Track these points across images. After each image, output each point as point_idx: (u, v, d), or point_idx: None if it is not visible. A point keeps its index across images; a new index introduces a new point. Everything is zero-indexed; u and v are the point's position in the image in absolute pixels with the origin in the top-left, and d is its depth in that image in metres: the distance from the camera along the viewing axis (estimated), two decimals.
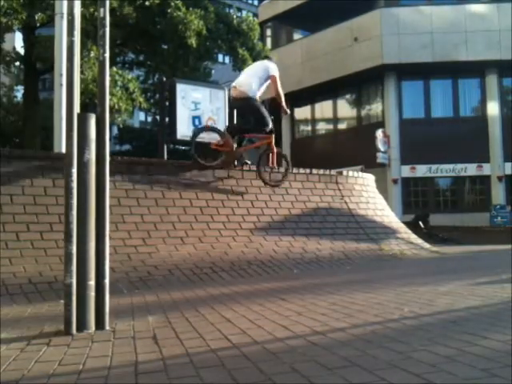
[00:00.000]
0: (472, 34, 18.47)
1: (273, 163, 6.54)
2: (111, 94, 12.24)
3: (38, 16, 11.54)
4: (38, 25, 12.46)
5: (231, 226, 6.03)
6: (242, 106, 6.44)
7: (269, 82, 6.37)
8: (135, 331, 2.62)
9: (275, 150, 6.56)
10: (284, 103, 6.47)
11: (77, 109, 2.80)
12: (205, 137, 6.91)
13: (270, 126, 6.30)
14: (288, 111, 6.60)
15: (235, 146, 6.34)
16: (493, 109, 19.02)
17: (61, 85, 6.36)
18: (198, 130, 6.54)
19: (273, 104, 6.61)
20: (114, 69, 14.28)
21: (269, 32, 24.36)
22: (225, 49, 15.70)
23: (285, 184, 6.72)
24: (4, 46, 15.17)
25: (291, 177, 6.88)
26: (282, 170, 6.74)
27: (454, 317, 2.64)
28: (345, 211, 7.19)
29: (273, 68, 6.40)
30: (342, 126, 22.07)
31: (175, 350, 2.20)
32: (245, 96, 6.23)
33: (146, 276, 4.75)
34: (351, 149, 19.38)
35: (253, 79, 6.30)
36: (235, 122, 7.79)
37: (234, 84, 6.41)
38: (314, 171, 7.26)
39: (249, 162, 6.66)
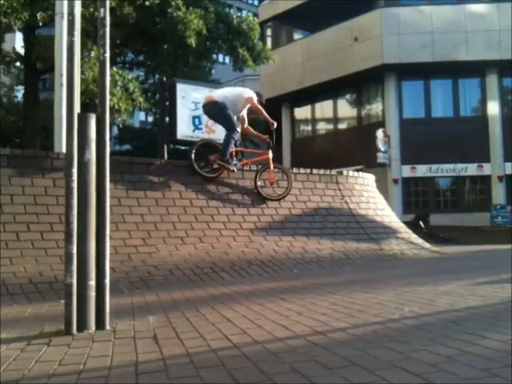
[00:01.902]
0: (472, 34, 18.47)
1: (272, 180, 6.60)
2: (111, 93, 12.23)
3: (40, 15, 11.50)
4: (40, 24, 12.42)
5: (231, 225, 6.03)
6: (209, 110, 6.50)
7: (245, 102, 6.45)
8: (135, 331, 2.62)
9: (272, 166, 6.61)
10: (268, 118, 6.56)
11: (77, 109, 2.80)
12: (205, 137, 6.91)
13: (238, 129, 6.35)
14: (275, 124, 6.63)
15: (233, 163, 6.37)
16: (493, 109, 19.02)
17: (61, 85, 6.37)
18: (198, 145, 6.52)
19: (268, 128, 6.66)
20: (114, 69, 14.27)
21: (269, 32, 24.36)
22: (225, 49, 15.67)
23: (285, 184, 6.72)
24: (4, 46, 15.17)
25: (291, 177, 6.88)
26: (284, 184, 6.70)
27: (454, 317, 2.64)
28: (345, 211, 7.19)
29: (248, 91, 6.61)
30: (342, 125, 22.07)
31: (175, 349, 2.21)
32: (211, 100, 6.39)
33: (146, 276, 4.75)
34: (351, 149, 19.38)
35: (224, 90, 6.63)
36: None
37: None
38: (315, 171, 7.26)
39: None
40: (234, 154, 6.42)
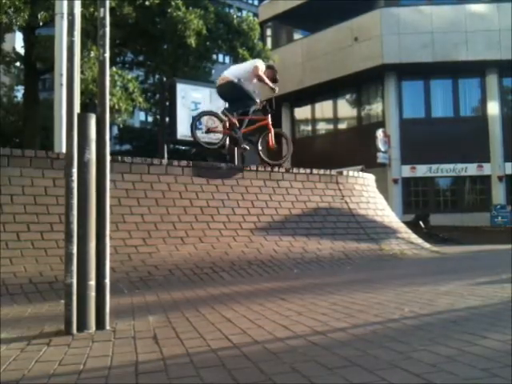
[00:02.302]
0: (472, 34, 18.47)
1: (272, 144, 6.68)
2: (111, 93, 12.24)
3: (41, 15, 11.51)
4: (40, 24, 12.44)
5: (231, 225, 6.03)
6: (225, 90, 6.62)
7: (253, 73, 6.61)
8: (135, 331, 2.62)
9: (273, 130, 6.69)
10: (270, 83, 6.65)
11: (77, 109, 2.80)
12: (204, 136, 6.93)
13: (257, 101, 6.56)
14: (276, 89, 6.72)
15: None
16: (493, 109, 19.03)
17: (61, 85, 6.37)
18: (198, 115, 6.64)
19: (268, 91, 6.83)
20: (114, 69, 14.28)
21: (269, 32, 24.38)
22: (225, 49, 15.70)
23: (285, 184, 6.72)
24: (4, 46, 15.18)
25: (291, 177, 6.87)
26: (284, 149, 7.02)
27: (454, 317, 2.64)
28: (345, 211, 7.18)
29: (256, 61, 6.86)
30: (342, 125, 22.08)
31: (175, 349, 2.20)
32: (227, 80, 6.53)
33: (146, 276, 4.75)
34: (351, 149, 19.39)
35: (236, 68, 6.80)
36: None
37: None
38: (315, 171, 7.25)
39: (247, 148, 6.83)
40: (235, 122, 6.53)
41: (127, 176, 5.65)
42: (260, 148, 6.65)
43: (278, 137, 6.98)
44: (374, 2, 19.46)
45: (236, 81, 6.45)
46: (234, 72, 6.62)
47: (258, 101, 6.63)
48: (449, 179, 19.48)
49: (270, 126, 6.66)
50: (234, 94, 6.55)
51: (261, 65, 6.65)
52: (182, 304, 3.56)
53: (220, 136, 6.59)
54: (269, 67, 6.83)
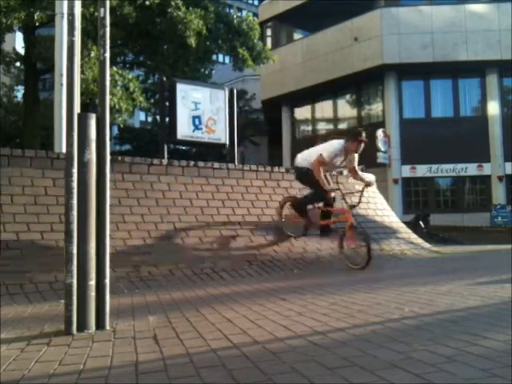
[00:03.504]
0: (472, 34, 18.47)
1: (353, 242, 5.61)
2: (111, 93, 12.23)
3: (37, 15, 11.49)
4: (36, 24, 12.42)
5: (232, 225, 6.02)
6: (298, 175, 6.27)
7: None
8: (136, 331, 2.62)
9: (353, 225, 5.64)
10: (325, 184, 5.83)
11: (77, 109, 2.80)
12: (204, 137, 6.90)
13: (325, 193, 5.85)
14: (331, 193, 5.95)
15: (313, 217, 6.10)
16: (493, 108, 19.02)
17: (61, 85, 6.37)
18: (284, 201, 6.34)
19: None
20: (115, 68, 14.27)
21: (269, 32, 24.36)
22: (225, 49, 15.67)
23: (285, 184, 6.72)
24: (4, 46, 15.17)
25: (292, 176, 6.86)
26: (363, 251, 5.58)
27: (454, 317, 2.64)
28: None
29: (325, 150, 5.84)
30: (342, 125, 22.07)
31: (175, 349, 2.20)
32: (295, 165, 6.27)
33: (146, 276, 4.75)
34: None
35: (311, 153, 6.05)
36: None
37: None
38: None
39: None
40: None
41: (127, 176, 5.66)
42: (346, 250, 5.73)
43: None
44: (373, 2, 19.46)
45: (305, 168, 5.92)
46: (302, 156, 6.10)
47: (325, 195, 5.86)
48: (449, 179, 19.48)
49: (352, 222, 5.60)
50: (302, 180, 6.19)
51: (323, 157, 5.71)
52: (181, 304, 3.56)
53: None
54: (354, 136, 5.78)
